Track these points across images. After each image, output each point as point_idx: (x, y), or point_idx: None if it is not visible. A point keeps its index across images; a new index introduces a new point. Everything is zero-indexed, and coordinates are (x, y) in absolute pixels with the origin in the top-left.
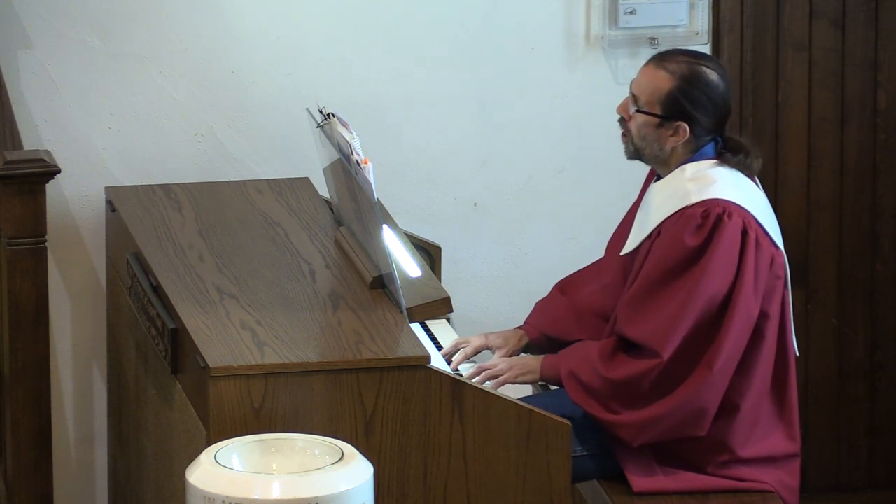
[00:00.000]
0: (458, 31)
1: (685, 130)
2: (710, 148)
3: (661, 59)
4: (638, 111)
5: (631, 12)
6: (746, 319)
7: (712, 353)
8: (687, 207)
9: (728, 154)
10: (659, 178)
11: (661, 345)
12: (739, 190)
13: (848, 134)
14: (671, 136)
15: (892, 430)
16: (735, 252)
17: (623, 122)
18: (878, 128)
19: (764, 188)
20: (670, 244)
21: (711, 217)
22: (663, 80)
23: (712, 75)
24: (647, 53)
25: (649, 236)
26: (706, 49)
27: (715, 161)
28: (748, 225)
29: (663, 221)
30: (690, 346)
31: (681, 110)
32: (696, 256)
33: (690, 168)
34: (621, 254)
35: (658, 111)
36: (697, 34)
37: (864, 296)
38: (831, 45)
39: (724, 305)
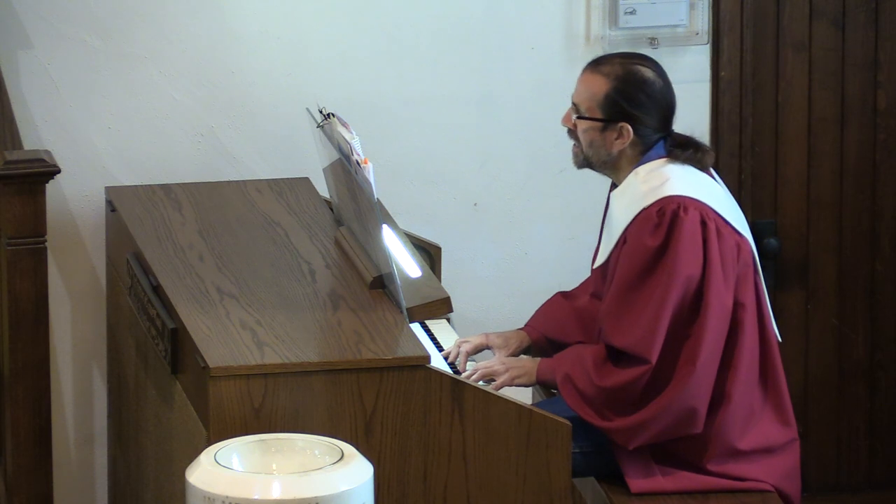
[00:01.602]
0: (458, 31)
1: (629, 131)
2: (659, 147)
3: (595, 64)
4: (579, 118)
5: (631, 12)
6: (722, 310)
7: (693, 349)
8: (644, 209)
9: (677, 150)
10: (615, 186)
11: (647, 350)
12: (693, 184)
13: (848, 134)
14: (616, 139)
15: (892, 430)
16: (698, 244)
17: (572, 133)
18: (878, 128)
19: (764, 188)
20: (634, 249)
21: (667, 214)
22: (599, 84)
23: (647, 73)
24: (648, 53)
25: (616, 245)
26: (706, 49)
27: (665, 159)
28: (706, 216)
29: (627, 228)
30: (671, 345)
31: (621, 111)
32: (660, 255)
33: (643, 170)
34: (594, 267)
35: (599, 115)
36: (697, 34)
37: (864, 296)
38: (831, 45)
39: (698, 299)
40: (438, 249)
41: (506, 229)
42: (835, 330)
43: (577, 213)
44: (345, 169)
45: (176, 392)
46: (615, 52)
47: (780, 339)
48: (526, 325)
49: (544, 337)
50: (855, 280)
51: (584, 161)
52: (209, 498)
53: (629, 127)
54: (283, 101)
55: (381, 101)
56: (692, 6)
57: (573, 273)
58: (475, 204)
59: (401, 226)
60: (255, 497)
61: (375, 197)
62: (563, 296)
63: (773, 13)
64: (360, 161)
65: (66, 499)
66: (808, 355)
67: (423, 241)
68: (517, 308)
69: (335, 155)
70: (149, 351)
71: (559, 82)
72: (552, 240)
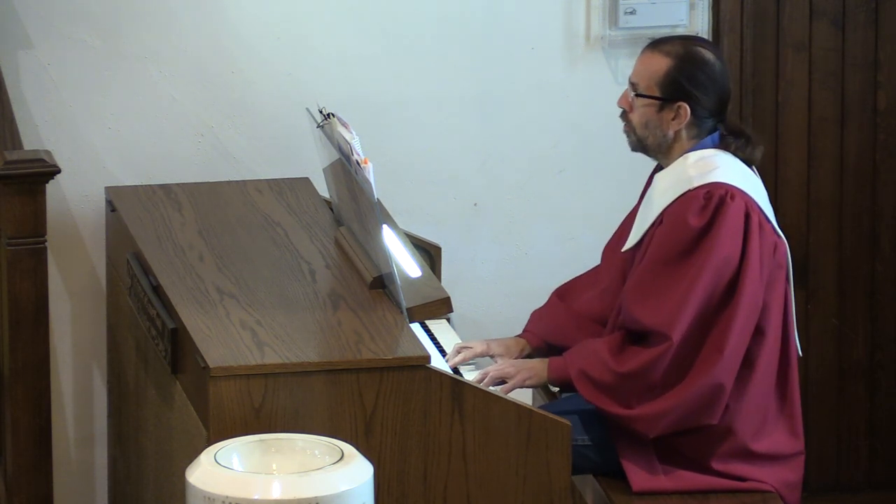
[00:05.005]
0: (458, 31)
1: (686, 111)
2: (714, 137)
3: (655, 44)
4: (637, 95)
5: (631, 12)
6: (753, 304)
7: (721, 336)
8: (689, 191)
9: (730, 138)
10: (659, 168)
11: (670, 327)
12: (742, 176)
13: (848, 134)
14: (673, 119)
15: (892, 430)
16: (739, 232)
17: (624, 115)
18: (878, 128)
19: (764, 188)
20: (674, 227)
21: (714, 198)
22: (660, 62)
23: (708, 55)
24: None
25: (652, 225)
26: None
27: (717, 149)
28: (750, 208)
29: (665, 209)
30: (699, 330)
31: (680, 89)
32: (701, 237)
33: (693, 156)
34: (623, 250)
35: (657, 93)
36: (697, 34)
37: (864, 296)
38: (831, 45)
39: (731, 287)
40: (438, 249)
41: (506, 229)
42: (835, 330)
43: (577, 213)
44: (345, 169)
45: (176, 392)
46: (676, 34)
47: (800, 353)
48: (524, 332)
49: (545, 342)
50: (855, 280)
51: (637, 143)
52: (209, 498)
53: (687, 107)
54: (283, 101)
55: (381, 101)
56: (692, 6)
57: (573, 273)
58: (475, 204)
59: (401, 226)
60: (255, 497)
61: (375, 197)
62: (559, 297)
63: (773, 13)
64: (360, 161)
65: (66, 499)
66: (808, 355)
67: (423, 241)
68: (517, 308)
69: (335, 155)
70: (149, 351)
71: (559, 82)
72: (552, 240)
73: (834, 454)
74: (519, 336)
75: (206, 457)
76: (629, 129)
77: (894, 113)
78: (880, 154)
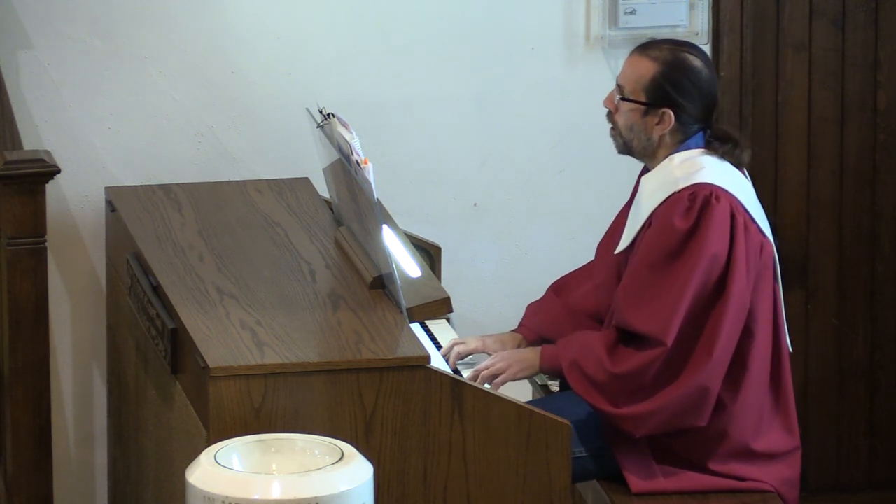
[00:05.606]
0: (457, 31)
1: (670, 117)
2: (698, 138)
3: (644, 47)
4: (623, 99)
5: (631, 12)
6: (741, 303)
7: (711, 338)
8: (675, 192)
9: (716, 143)
10: (646, 170)
11: (664, 332)
12: (727, 177)
13: (848, 134)
14: (657, 124)
15: (892, 430)
16: (726, 233)
17: (610, 115)
18: (878, 128)
19: (764, 188)
20: (661, 230)
21: (699, 199)
22: (646, 67)
23: (696, 62)
24: None
25: (642, 228)
26: (706, 49)
27: (703, 150)
28: (735, 209)
29: (654, 211)
30: (690, 332)
31: (665, 96)
32: (688, 238)
33: (678, 157)
34: (616, 252)
35: (643, 98)
36: (697, 34)
37: (864, 296)
38: (831, 45)
39: (719, 286)
40: (438, 249)
41: (506, 229)
42: (835, 330)
43: (577, 213)
44: (345, 169)
45: (176, 392)
46: (665, 38)
47: (791, 349)
48: (520, 326)
49: (539, 337)
50: (855, 280)
51: (623, 146)
52: (209, 498)
53: (671, 113)
54: (283, 101)
55: (381, 101)
56: (692, 6)
57: None
58: (475, 204)
59: (401, 226)
60: (255, 497)
61: (375, 197)
62: (554, 292)
63: (773, 13)
64: (360, 161)
65: (66, 499)
66: (808, 355)
67: (423, 241)
68: (517, 308)
69: (335, 155)
70: (149, 351)
71: (559, 82)
72: (552, 240)
73: (834, 454)
74: (514, 331)
75: (205, 457)
76: (616, 133)
77: (894, 113)
78: (880, 154)
